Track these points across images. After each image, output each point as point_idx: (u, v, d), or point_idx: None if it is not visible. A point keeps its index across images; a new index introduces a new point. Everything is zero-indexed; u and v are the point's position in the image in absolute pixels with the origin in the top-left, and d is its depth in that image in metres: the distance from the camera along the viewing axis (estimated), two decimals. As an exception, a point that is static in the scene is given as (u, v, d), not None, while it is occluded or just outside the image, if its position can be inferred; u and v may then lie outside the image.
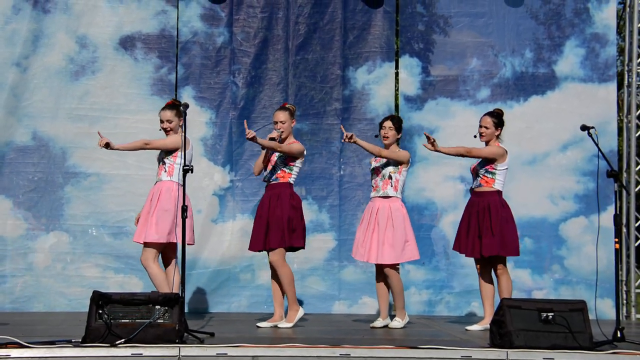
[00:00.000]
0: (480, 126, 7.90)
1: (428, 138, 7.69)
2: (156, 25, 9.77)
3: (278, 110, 7.92)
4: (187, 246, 7.04)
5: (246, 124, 7.74)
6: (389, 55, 9.97)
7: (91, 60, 9.65)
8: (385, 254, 7.81)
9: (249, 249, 7.95)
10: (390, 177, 7.90)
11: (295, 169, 7.84)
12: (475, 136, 7.90)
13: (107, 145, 7.40)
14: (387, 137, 7.98)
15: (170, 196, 7.48)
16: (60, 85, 9.58)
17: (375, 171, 7.99)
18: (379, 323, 7.96)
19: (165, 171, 7.60)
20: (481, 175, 7.81)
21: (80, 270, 9.44)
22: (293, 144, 7.80)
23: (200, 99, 9.77)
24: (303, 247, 7.94)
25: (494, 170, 7.78)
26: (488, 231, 7.71)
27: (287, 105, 7.97)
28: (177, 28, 9.82)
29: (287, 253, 7.83)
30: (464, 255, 8.11)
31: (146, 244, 7.51)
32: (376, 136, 8.30)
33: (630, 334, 7.28)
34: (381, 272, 7.96)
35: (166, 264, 7.71)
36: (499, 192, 7.81)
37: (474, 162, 7.92)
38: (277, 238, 7.67)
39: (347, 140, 7.75)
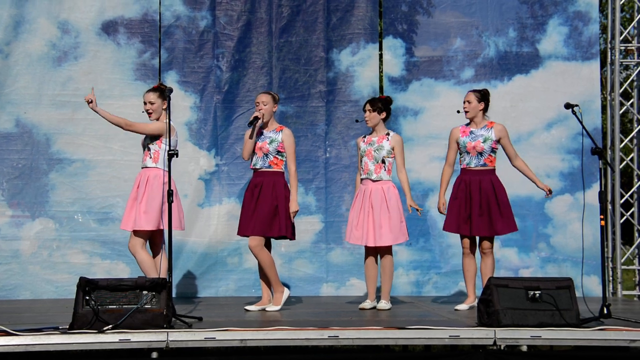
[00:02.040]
0: (464, 102, 7.95)
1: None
2: (138, 9, 9.72)
3: (261, 93, 7.94)
4: (175, 231, 7.04)
5: None
6: (372, 36, 9.95)
7: (73, 46, 9.59)
8: (383, 236, 7.86)
9: (238, 233, 7.92)
10: (383, 162, 7.93)
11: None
12: (458, 111, 7.94)
13: (90, 102, 7.35)
14: (369, 120, 8.02)
15: (159, 183, 7.45)
16: (43, 72, 9.52)
17: (367, 154, 7.99)
18: (367, 304, 7.98)
19: (151, 157, 7.56)
20: (487, 154, 7.82)
21: (66, 256, 9.41)
22: (289, 150, 7.75)
23: (184, 84, 9.74)
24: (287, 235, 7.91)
25: (496, 149, 7.84)
26: (497, 210, 7.76)
27: (270, 92, 7.98)
28: (160, 12, 9.76)
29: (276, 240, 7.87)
30: (452, 234, 8.13)
31: (135, 232, 7.49)
32: (357, 121, 8.35)
33: (617, 310, 7.33)
34: (370, 254, 7.98)
35: (154, 250, 7.69)
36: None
37: (471, 140, 7.85)
38: (258, 226, 7.66)
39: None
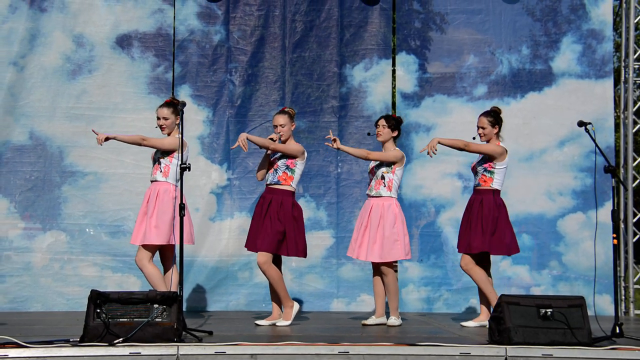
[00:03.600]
0: (478, 127, 7.91)
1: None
2: (153, 23, 9.76)
3: (277, 114, 7.90)
4: (186, 245, 7.05)
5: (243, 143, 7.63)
6: (385, 52, 9.97)
7: (88, 59, 9.64)
8: (374, 252, 7.85)
9: (245, 246, 7.94)
10: (383, 178, 7.92)
11: (297, 172, 7.83)
12: (474, 138, 7.90)
13: (107, 139, 7.42)
14: (380, 135, 7.99)
15: (169, 198, 7.47)
16: (57, 84, 9.57)
17: (370, 171, 8.04)
18: (371, 320, 7.96)
19: (161, 171, 7.58)
20: (480, 174, 7.81)
21: (77, 269, 9.43)
22: (290, 143, 7.82)
23: (197, 97, 9.77)
24: (297, 255, 7.91)
25: (492, 169, 7.79)
26: (478, 228, 7.73)
27: (286, 109, 7.95)
28: (174, 26, 9.81)
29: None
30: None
31: (143, 245, 7.51)
32: (369, 134, 8.36)
33: (629, 329, 7.29)
34: (378, 270, 7.97)
35: (165, 264, 7.70)
36: (495, 191, 7.81)
37: (475, 159, 7.93)
38: (266, 243, 7.67)
39: (332, 145, 7.80)
